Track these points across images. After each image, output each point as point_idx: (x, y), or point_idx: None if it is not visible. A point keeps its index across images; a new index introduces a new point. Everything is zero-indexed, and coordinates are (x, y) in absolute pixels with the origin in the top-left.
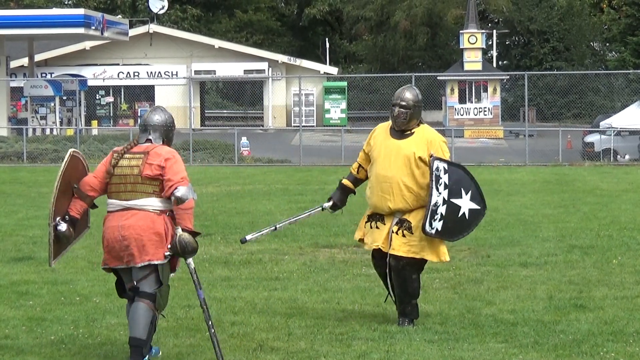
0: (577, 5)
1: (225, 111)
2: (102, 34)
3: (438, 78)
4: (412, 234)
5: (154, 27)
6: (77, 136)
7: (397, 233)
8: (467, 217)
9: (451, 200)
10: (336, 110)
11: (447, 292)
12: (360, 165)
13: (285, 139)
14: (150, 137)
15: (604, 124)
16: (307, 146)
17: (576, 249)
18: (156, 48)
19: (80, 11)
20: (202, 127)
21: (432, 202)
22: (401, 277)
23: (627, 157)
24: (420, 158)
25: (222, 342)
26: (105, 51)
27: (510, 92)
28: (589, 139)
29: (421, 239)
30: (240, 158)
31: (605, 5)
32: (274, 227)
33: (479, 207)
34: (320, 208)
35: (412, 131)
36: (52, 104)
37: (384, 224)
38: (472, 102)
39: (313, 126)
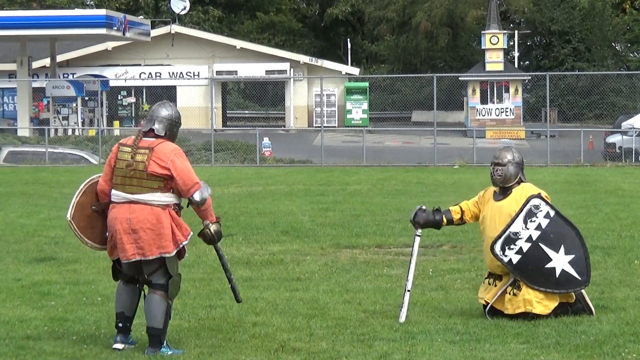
0: (599, 5)
1: (246, 112)
2: (123, 34)
3: (460, 79)
4: (520, 291)
5: (175, 28)
6: (99, 137)
7: (508, 293)
8: (557, 275)
9: (540, 244)
10: (358, 110)
11: (469, 292)
12: (462, 212)
13: (306, 139)
14: (153, 127)
15: (625, 124)
16: (328, 147)
17: (598, 250)
18: (178, 49)
19: (102, 12)
20: (223, 128)
21: (512, 230)
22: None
23: None
24: None
25: (243, 342)
26: (127, 52)
27: (531, 92)
28: (611, 139)
29: (527, 294)
30: (262, 158)
31: (627, 6)
32: (407, 291)
33: (578, 278)
34: (419, 237)
35: (512, 190)
36: (74, 105)
37: (500, 282)
38: (493, 103)
39: (335, 127)
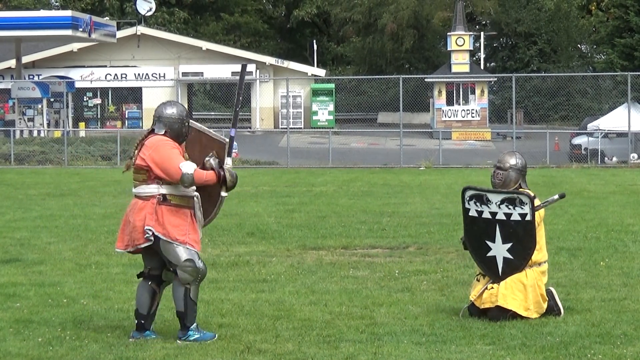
0: (564, 7)
1: (212, 113)
2: (89, 35)
3: (426, 80)
4: (499, 284)
5: (141, 29)
6: (65, 138)
7: (487, 288)
8: (487, 255)
9: (496, 226)
10: (324, 112)
11: (435, 294)
12: None
13: (272, 140)
14: (154, 127)
15: (591, 126)
16: (294, 148)
17: (564, 251)
18: (144, 50)
19: (68, 13)
20: None
21: (489, 196)
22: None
23: (614, 159)
24: None
25: (209, 344)
26: (93, 53)
27: (497, 94)
28: (577, 141)
29: (505, 288)
30: None
31: (593, 8)
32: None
33: (499, 273)
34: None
35: None
36: (40, 106)
37: (484, 278)
38: (459, 104)
39: (300, 128)
